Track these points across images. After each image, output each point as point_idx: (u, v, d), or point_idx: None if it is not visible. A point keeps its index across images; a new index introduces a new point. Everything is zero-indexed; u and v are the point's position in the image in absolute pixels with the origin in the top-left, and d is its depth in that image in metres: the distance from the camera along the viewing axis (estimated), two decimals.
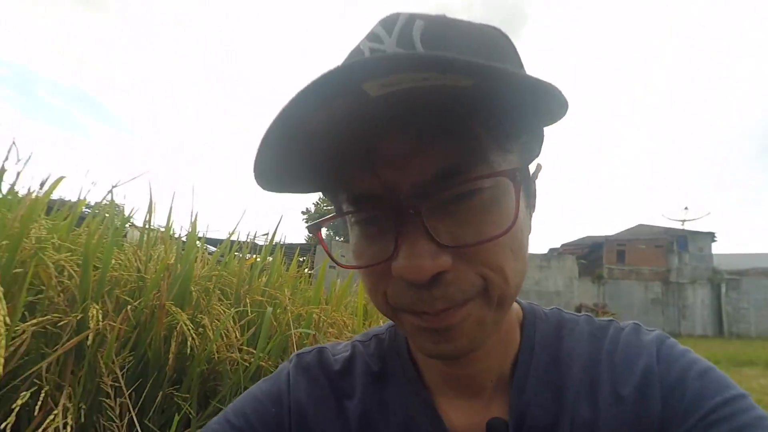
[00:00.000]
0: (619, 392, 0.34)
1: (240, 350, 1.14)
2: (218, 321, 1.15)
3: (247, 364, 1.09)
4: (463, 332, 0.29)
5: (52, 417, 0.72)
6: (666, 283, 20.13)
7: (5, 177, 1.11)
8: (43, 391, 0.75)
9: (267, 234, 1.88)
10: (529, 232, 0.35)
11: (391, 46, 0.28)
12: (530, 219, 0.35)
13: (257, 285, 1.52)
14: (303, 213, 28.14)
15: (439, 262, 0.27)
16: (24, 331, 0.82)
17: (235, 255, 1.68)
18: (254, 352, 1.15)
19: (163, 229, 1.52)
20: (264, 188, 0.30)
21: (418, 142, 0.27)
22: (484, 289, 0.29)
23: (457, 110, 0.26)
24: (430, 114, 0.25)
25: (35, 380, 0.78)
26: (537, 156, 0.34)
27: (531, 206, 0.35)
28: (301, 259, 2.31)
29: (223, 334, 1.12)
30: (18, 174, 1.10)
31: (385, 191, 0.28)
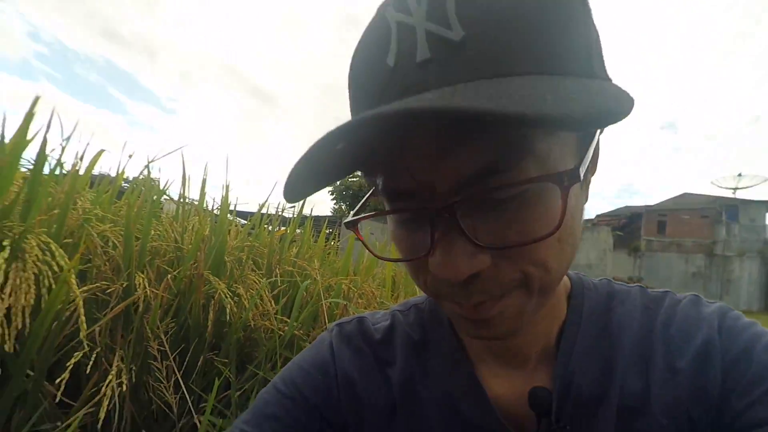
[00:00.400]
0: (674, 365, 0.32)
1: (271, 318, 1.18)
2: (253, 290, 1.19)
3: (281, 333, 1.13)
4: (502, 322, 0.29)
5: (110, 377, 0.79)
6: (710, 256, 19.04)
7: (51, 152, 1.16)
8: (95, 353, 0.81)
9: (294, 207, 1.90)
10: (585, 202, 0.32)
11: (420, 19, 0.23)
12: (587, 188, 0.32)
13: (288, 256, 1.56)
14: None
15: (475, 263, 0.26)
16: (77, 297, 0.88)
17: (266, 227, 1.72)
18: (287, 320, 1.19)
19: (196, 202, 1.57)
20: (294, 200, 0.28)
21: (452, 139, 0.24)
22: (524, 282, 0.28)
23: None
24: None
25: (90, 342, 0.85)
26: None
27: (590, 171, 0.32)
28: (328, 231, 2.34)
29: (258, 304, 1.16)
30: (63, 149, 1.14)
31: (421, 189, 0.26)
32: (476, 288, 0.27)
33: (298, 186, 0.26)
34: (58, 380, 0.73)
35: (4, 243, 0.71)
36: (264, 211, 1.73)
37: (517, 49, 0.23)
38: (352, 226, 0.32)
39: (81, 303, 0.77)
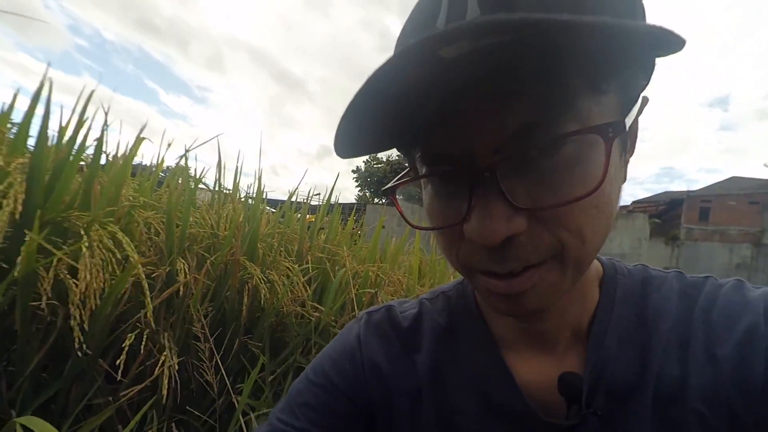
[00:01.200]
0: (714, 352, 0.31)
1: (303, 305, 1.22)
2: (286, 277, 1.22)
3: (311, 319, 1.17)
4: (534, 296, 0.28)
5: (163, 357, 0.84)
6: (758, 246, 17.76)
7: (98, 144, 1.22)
8: (144, 334, 0.87)
9: (320, 194, 1.93)
10: (623, 182, 0.31)
11: None
12: (626, 167, 0.31)
13: (317, 243, 1.59)
14: (353, 171, 28.55)
15: (512, 225, 0.26)
16: (126, 281, 0.93)
17: (296, 214, 1.75)
18: (317, 306, 1.23)
19: (227, 191, 1.62)
20: (343, 156, 0.29)
21: (495, 100, 0.24)
22: (560, 251, 0.27)
23: (540, 59, 0.22)
24: (509, 68, 0.22)
25: (137, 324, 0.90)
26: (643, 89, 0.29)
27: (629, 151, 0.31)
28: (355, 220, 2.37)
29: (289, 290, 1.20)
30: (118, 141, 1.20)
31: (461, 152, 0.27)
32: (511, 254, 0.27)
33: (350, 138, 0.27)
34: (117, 361, 0.80)
35: (82, 232, 0.77)
36: (293, 198, 1.77)
37: (567, 4, 0.23)
38: (391, 192, 0.33)
39: (147, 286, 0.83)
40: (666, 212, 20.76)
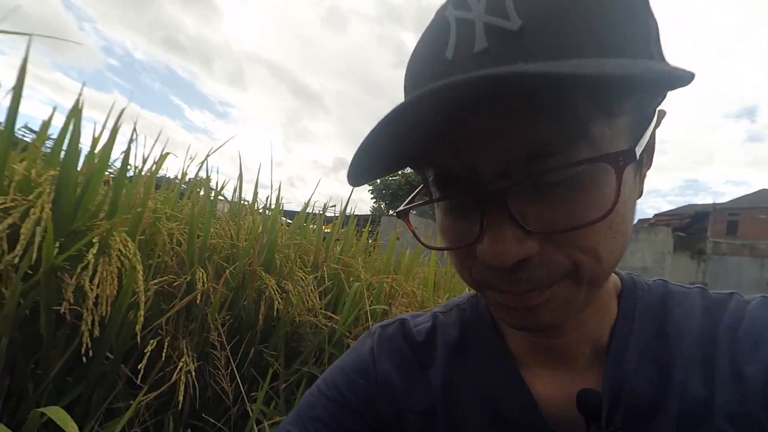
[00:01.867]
0: (741, 370, 0.30)
1: (317, 315, 1.22)
2: (300, 287, 1.24)
3: (324, 328, 1.17)
4: (547, 311, 0.28)
5: (181, 363, 0.86)
6: None
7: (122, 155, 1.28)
8: (166, 341, 0.89)
9: (335, 206, 1.96)
10: (639, 196, 0.30)
11: (479, 13, 0.24)
12: (642, 182, 0.31)
13: (332, 254, 1.60)
14: (368, 183, 28.72)
15: (523, 249, 0.25)
16: (149, 289, 0.97)
17: (312, 226, 1.78)
18: (332, 316, 1.23)
19: (245, 202, 1.66)
20: (356, 184, 0.30)
21: (503, 121, 0.24)
22: (574, 270, 0.27)
23: (551, 87, 0.22)
24: (518, 93, 0.22)
25: (158, 331, 0.93)
26: (658, 105, 0.29)
27: (645, 164, 0.31)
28: (370, 231, 2.38)
29: (305, 300, 1.21)
30: (143, 155, 1.26)
31: (466, 173, 0.27)
32: (524, 275, 0.26)
33: (361, 170, 0.27)
34: (139, 365, 0.82)
35: (93, 240, 0.80)
36: (309, 210, 1.80)
37: (574, 35, 0.23)
38: (404, 215, 0.33)
39: (143, 298, 0.86)
40: (690, 225, 20.03)
